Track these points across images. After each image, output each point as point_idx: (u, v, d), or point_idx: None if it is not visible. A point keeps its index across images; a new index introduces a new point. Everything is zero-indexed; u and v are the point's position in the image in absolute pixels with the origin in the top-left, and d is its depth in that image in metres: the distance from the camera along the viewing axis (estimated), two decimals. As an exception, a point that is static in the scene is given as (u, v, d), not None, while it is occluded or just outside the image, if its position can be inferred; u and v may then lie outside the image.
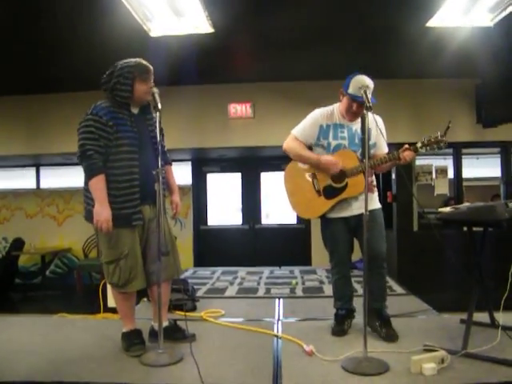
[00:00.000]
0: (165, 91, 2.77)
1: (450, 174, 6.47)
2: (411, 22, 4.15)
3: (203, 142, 6.40)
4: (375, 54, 4.84)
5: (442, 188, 6.39)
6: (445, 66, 5.30)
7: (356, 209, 2.94)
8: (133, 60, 2.70)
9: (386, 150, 3.05)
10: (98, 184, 2.56)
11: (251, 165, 7.77)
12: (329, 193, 2.96)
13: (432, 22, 4.11)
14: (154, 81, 2.75)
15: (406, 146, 2.84)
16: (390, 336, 2.82)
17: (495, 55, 4.84)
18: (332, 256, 3.09)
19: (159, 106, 2.56)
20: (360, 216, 2.80)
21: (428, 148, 2.78)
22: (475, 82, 5.94)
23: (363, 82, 2.75)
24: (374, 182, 3.08)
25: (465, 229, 2.84)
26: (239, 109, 6.24)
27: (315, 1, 3.79)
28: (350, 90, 2.83)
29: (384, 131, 2.99)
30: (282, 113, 6.14)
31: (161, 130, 2.63)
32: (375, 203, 3.03)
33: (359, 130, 2.94)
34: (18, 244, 7.77)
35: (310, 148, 3.08)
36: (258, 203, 7.82)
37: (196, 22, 4.06)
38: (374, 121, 2.92)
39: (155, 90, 2.63)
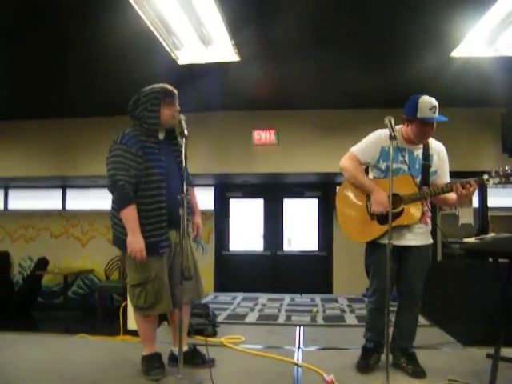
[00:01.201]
0: (191, 118, 2.82)
1: (475, 203, 6.37)
2: (435, 52, 4.18)
3: (227, 167, 6.46)
4: (399, 85, 4.87)
5: (467, 218, 6.28)
6: (469, 94, 5.30)
7: (408, 239, 2.79)
8: (157, 86, 2.75)
9: (447, 180, 2.91)
10: (131, 214, 2.59)
11: (274, 191, 7.78)
12: (382, 218, 2.79)
13: (456, 52, 4.12)
14: (180, 107, 2.80)
15: (471, 179, 2.63)
16: (418, 373, 2.70)
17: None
18: (372, 283, 2.91)
19: (186, 132, 2.58)
20: (409, 248, 2.78)
21: (495, 181, 2.56)
22: (500, 111, 5.89)
23: (431, 103, 2.71)
24: (430, 214, 2.92)
25: (490, 260, 2.78)
26: (263, 135, 6.30)
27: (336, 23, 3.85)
28: (421, 114, 2.70)
29: (447, 160, 2.93)
30: (305, 140, 6.20)
31: (185, 157, 2.66)
32: (427, 238, 2.88)
33: (421, 156, 2.84)
34: (42, 263, 7.89)
35: (365, 169, 2.98)
36: (280, 230, 7.80)
37: (223, 50, 4.15)
38: (438, 148, 2.92)
39: (182, 116, 2.66)
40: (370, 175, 2.99)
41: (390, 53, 4.35)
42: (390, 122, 2.54)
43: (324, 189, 7.26)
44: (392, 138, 2.49)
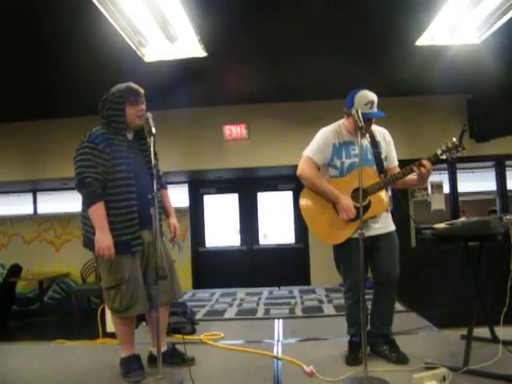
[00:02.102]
0: (160, 115, 2.80)
1: (446, 189, 6.50)
2: (400, 41, 4.23)
3: (199, 164, 6.43)
4: (367, 72, 4.92)
5: (439, 203, 6.41)
6: (436, 82, 5.38)
7: (375, 229, 2.82)
8: (123, 85, 2.73)
9: (396, 162, 2.99)
10: (98, 211, 2.56)
11: (248, 185, 7.78)
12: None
13: (421, 41, 4.18)
14: (147, 105, 2.77)
15: (423, 159, 2.74)
16: (402, 359, 2.73)
17: (484, 71, 4.92)
18: (346, 279, 2.90)
19: (153, 130, 2.56)
20: (377, 236, 2.81)
21: (448, 154, 2.70)
22: (466, 98, 6.02)
23: (368, 97, 2.73)
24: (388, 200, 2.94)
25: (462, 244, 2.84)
26: (234, 130, 6.28)
27: (306, 19, 3.84)
28: (356, 107, 2.67)
29: (392, 144, 2.97)
30: (276, 133, 6.22)
31: (155, 154, 2.63)
32: (391, 224, 2.92)
33: (370, 145, 2.87)
34: (15, 270, 7.70)
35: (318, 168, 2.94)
36: (256, 224, 7.81)
37: (189, 46, 4.11)
38: (382, 134, 2.96)
39: (149, 114, 2.64)
40: (326, 175, 2.93)
41: (356, 44, 4.38)
42: (356, 112, 2.56)
43: (298, 181, 7.16)
44: (360, 128, 2.52)
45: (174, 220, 2.95)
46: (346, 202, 2.77)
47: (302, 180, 2.93)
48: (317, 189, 2.88)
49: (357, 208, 2.72)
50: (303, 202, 2.98)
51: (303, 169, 2.89)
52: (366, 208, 2.74)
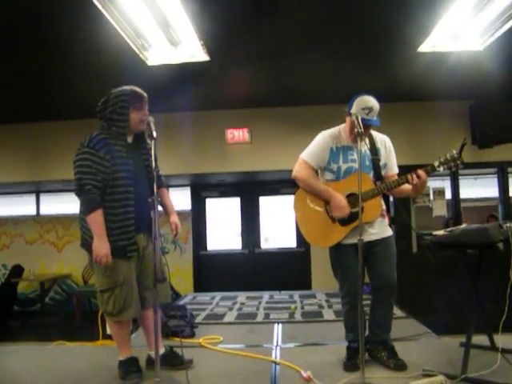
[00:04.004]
0: (162, 119, 2.80)
1: (448, 195, 6.49)
2: (402, 46, 4.23)
3: (202, 167, 6.44)
4: (368, 78, 4.93)
5: (440, 209, 6.40)
6: (438, 88, 5.39)
7: (370, 234, 2.80)
8: (127, 88, 2.71)
9: (396, 170, 2.98)
10: (97, 218, 2.56)
11: (250, 189, 7.79)
12: (343, 219, 2.79)
13: (423, 48, 4.19)
14: (149, 109, 2.76)
15: (418, 169, 2.71)
16: (400, 366, 2.71)
17: (487, 77, 4.92)
18: (343, 285, 2.89)
19: (154, 134, 2.55)
20: (373, 242, 2.80)
21: (445, 167, 2.68)
22: (469, 104, 6.01)
23: (367, 103, 2.70)
24: (384, 207, 2.94)
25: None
26: (236, 134, 6.30)
27: (307, 23, 3.86)
28: (353, 111, 2.71)
29: (393, 151, 2.96)
30: (278, 137, 6.22)
31: (155, 158, 2.63)
32: (387, 230, 2.91)
33: (368, 151, 2.83)
34: (17, 271, 7.75)
35: (316, 172, 2.96)
36: (258, 227, 7.82)
37: (192, 50, 4.14)
38: (383, 141, 2.95)
39: (150, 118, 2.62)
40: (322, 178, 2.96)
41: (357, 49, 4.39)
42: (356, 118, 2.56)
43: (299, 189, 7.25)
44: (359, 134, 2.51)
45: (175, 218, 2.93)
46: (340, 200, 2.77)
47: (297, 181, 2.93)
48: (311, 189, 2.88)
49: (350, 212, 2.75)
50: (296, 203, 3.00)
51: (298, 170, 2.91)
52: (358, 215, 2.68)
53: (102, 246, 2.54)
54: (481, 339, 2.89)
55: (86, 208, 2.59)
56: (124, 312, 2.66)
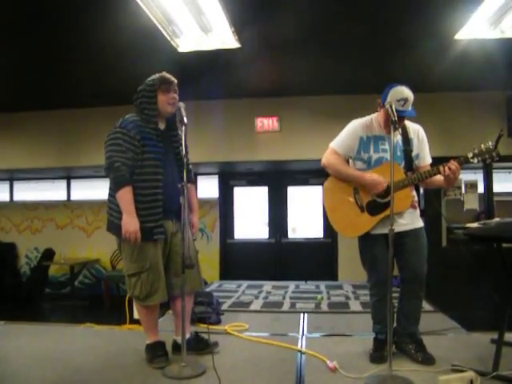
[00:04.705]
0: (193, 106, 2.81)
1: (481, 188, 6.32)
2: (438, 34, 4.11)
3: (230, 155, 6.44)
4: (401, 67, 4.82)
5: (472, 203, 6.24)
6: (473, 77, 5.23)
7: (400, 225, 2.74)
8: (157, 75, 2.76)
9: (429, 160, 2.91)
10: (126, 195, 2.59)
11: (278, 179, 7.76)
12: (373, 209, 2.77)
13: (460, 35, 4.06)
14: (179, 95, 2.78)
15: (451, 160, 2.62)
16: (428, 359, 2.67)
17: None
18: (371, 275, 2.86)
19: (185, 120, 2.58)
20: (403, 233, 2.75)
21: (480, 159, 2.59)
22: (506, 94, 5.82)
23: (402, 94, 2.66)
24: (416, 198, 2.89)
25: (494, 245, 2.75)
26: (266, 123, 6.27)
27: (339, 8, 3.80)
28: (387, 103, 2.64)
29: (426, 141, 2.90)
30: (308, 127, 6.16)
31: (185, 145, 2.65)
32: (418, 221, 2.86)
33: (400, 142, 2.80)
34: (48, 254, 7.96)
35: (347, 161, 2.93)
36: (285, 217, 7.79)
37: (223, 37, 4.12)
38: (416, 131, 2.89)
39: (181, 104, 2.66)
40: (353, 168, 2.92)
41: (391, 38, 4.29)
42: (390, 107, 2.50)
43: (328, 176, 7.20)
44: (393, 123, 2.46)
45: (195, 218, 2.96)
46: (372, 175, 2.75)
47: (327, 169, 2.92)
48: (341, 174, 2.87)
49: (376, 203, 2.75)
50: (325, 192, 2.99)
51: (327, 158, 2.91)
52: (388, 204, 2.61)
53: (131, 223, 2.56)
54: (513, 336, 2.81)
55: (116, 184, 2.62)
56: (151, 297, 2.68)
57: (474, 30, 3.99)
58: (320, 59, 4.87)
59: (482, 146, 2.60)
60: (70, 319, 6.30)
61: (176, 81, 2.79)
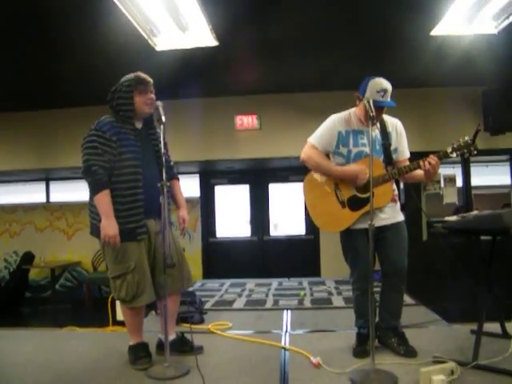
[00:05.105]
0: (171, 105, 2.79)
1: (459, 182, 6.42)
2: (414, 31, 4.15)
3: (210, 154, 6.42)
4: (378, 63, 4.85)
5: (451, 197, 6.34)
6: (450, 73, 5.30)
7: (381, 219, 2.76)
8: (132, 74, 2.74)
9: (407, 154, 2.94)
10: (104, 199, 2.57)
11: (259, 176, 7.77)
12: (354, 204, 2.78)
13: (436, 31, 4.11)
14: (158, 95, 2.76)
15: (431, 155, 2.67)
16: (410, 352, 2.70)
17: (500, 62, 4.83)
18: (353, 270, 2.87)
19: (163, 119, 2.57)
20: (384, 227, 2.77)
21: (458, 153, 2.64)
22: (481, 90, 5.91)
23: (381, 85, 2.67)
24: (396, 192, 2.91)
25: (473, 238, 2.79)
26: (246, 121, 6.26)
27: (315, 9, 3.80)
28: (368, 95, 2.66)
29: (404, 135, 2.92)
30: (288, 124, 6.18)
31: (165, 143, 2.63)
32: (399, 215, 2.88)
33: (379, 136, 2.80)
34: (27, 257, 7.81)
35: (327, 156, 2.92)
36: (267, 215, 7.80)
37: (200, 35, 4.09)
38: (394, 125, 2.91)
39: (159, 103, 2.64)
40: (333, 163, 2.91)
41: (369, 33, 4.31)
42: (368, 102, 2.51)
43: (309, 172, 7.24)
44: (371, 118, 2.47)
45: (183, 212, 2.93)
46: (353, 167, 2.76)
47: (306, 164, 2.92)
48: (321, 168, 2.87)
49: (357, 198, 2.76)
50: (306, 187, 2.98)
51: (306, 153, 2.90)
52: (369, 200, 2.60)
53: (110, 226, 2.54)
54: (492, 327, 2.85)
55: (93, 188, 2.59)
56: (138, 298, 2.66)
57: (450, 26, 4.04)
58: (297, 57, 4.88)
59: (461, 140, 2.65)
60: (52, 323, 6.21)
61: (152, 81, 2.76)
